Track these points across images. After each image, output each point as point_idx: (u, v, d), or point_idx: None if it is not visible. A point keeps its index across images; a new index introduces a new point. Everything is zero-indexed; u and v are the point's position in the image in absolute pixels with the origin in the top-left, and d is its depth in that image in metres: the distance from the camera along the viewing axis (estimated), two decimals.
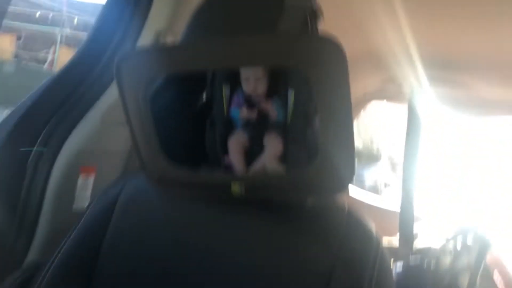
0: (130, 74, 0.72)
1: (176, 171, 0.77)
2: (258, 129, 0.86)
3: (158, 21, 1.01)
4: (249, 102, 0.86)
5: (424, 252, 1.44)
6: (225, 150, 0.86)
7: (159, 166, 0.78)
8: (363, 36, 1.30)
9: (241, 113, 0.86)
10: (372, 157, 7.19)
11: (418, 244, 1.53)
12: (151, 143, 0.76)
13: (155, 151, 0.77)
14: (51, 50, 11.50)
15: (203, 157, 0.87)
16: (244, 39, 0.66)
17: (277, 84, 0.87)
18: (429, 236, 1.61)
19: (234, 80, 0.88)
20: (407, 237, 1.46)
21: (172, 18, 1.01)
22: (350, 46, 0.64)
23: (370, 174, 6.50)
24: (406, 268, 1.22)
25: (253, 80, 0.84)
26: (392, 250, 1.46)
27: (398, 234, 1.54)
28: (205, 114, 0.88)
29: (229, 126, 0.88)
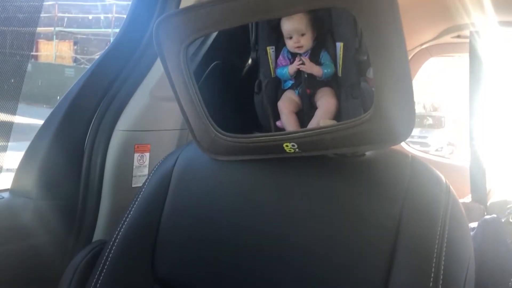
0: (168, 37, 0.71)
1: (226, 138, 0.76)
2: (308, 87, 0.82)
3: None
4: (295, 59, 0.82)
5: (500, 206, 1.34)
6: (275, 113, 0.83)
7: (208, 134, 0.77)
8: None
9: (289, 69, 0.82)
10: (436, 121, 6.89)
11: (493, 200, 1.43)
12: (198, 111, 0.75)
13: (203, 118, 0.75)
14: None
15: (253, 122, 0.85)
16: None
17: (323, 38, 0.83)
18: (504, 191, 1.50)
19: (278, 41, 0.85)
20: (480, 194, 1.36)
21: None
22: None
23: (435, 137, 6.25)
24: (482, 222, 1.13)
25: (296, 36, 0.80)
26: (465, 213, 1.37)
27: (470, 195, 1.45)
28: (252, 79, 0.86)
29: (278, 88, 0.85)
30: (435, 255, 0.64)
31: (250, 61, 0.89)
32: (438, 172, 0.73)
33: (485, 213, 1.38)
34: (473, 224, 1.30)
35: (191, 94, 0.75)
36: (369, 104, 0.65)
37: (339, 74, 0.80)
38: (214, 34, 0.93)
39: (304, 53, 0.82)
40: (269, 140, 0.73)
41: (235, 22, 0.68)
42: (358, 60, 0.77)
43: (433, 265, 0.63)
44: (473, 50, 1.43)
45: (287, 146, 0.72)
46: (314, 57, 0.81)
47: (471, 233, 1.21)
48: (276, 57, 0.85)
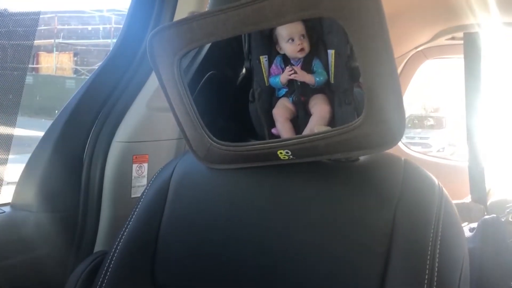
0: (162, 49, 0.72)
1: (221, 146, 0.77)
2: (302, 94, 0.83)
3: (189, 3, 1.00)
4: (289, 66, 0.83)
5: (500, 205, 1.34)
6: (270, 121, 0.84)
7: (204, 144, 0.78)
8: None
9: (281, 79, 0.83)
10: (437, 122, 6.91)
11: (492, 200, 1.43)
12: (193, 121, 0.76)
13: (198, 129, 0.77)
14: None
15: (248, 130, 0.87)
16: None
17: (315, 47, 0.84)
18: (504, 190, 1.50)
19: (270, 50, 0.86)
20: (479, 194, 1.37)
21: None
22: None
23: (436, 138, 6.27)
24: (482, 222, 1.14)
25: (297, 38, 0.81)
26: (465, 213, 1.37)
27: (469, 196, 1.45)
28: (246, 88, 0.87)
29: (272, 96, 0.87)
30: (428, 257, 0.65)
31: (244, 70, 0.90)
32: (430, 174, 0.75)
33: (485, 213, 1.39)
34: (473, 224, 1.30)
35: (186, 105, 0.76)
36: (363, 109, 0.66)
37: (332, 81, 0.82)
38: (208, 45, 0.94)
39: (296, 61, 0.83)
40: (263, 148, 0.75)
41: (227, 34, 0.69)
42: (350, 66, 0.79)
43: (427, 266, 0.64)
44: (467, 52, 1.44)
45: (281, 153, 0.73)
46: (306, 65, 0.83)
47: (471, 233, 1.22)
48: (269, 66, 0.86)
